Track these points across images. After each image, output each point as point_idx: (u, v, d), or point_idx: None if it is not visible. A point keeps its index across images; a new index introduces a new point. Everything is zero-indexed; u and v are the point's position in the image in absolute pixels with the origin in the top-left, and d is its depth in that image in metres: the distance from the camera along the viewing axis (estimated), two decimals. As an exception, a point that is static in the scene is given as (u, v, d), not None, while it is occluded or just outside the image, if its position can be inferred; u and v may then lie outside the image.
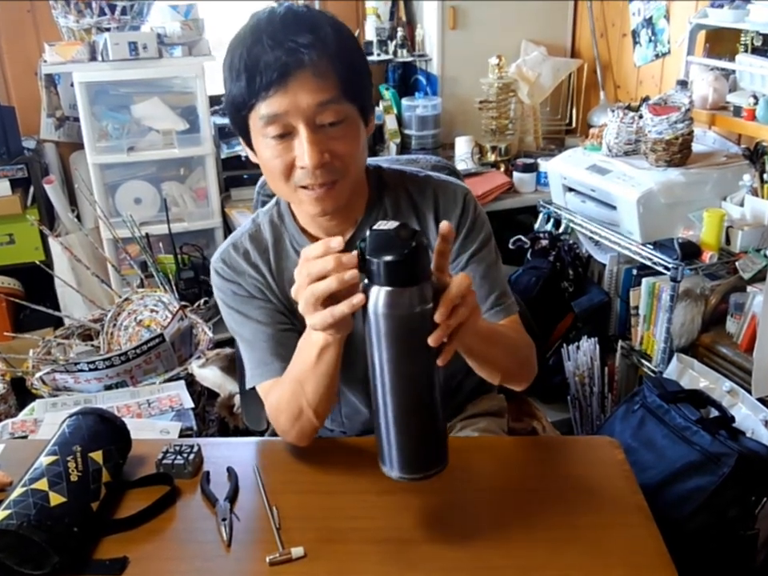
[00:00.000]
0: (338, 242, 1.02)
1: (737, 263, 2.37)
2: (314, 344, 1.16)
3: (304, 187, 1.25)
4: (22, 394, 2.62)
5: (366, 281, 1.00)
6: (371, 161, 1.42)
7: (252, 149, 1.31)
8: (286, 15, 1.20)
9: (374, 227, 0.99)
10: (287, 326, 1.40)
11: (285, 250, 1.42)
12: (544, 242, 2.91)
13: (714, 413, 2.08)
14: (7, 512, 1.10)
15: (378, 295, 0.98)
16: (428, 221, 1.41)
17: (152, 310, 2.79)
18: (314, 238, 1.39)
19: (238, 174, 3.46)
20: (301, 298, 1.05)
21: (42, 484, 1.14)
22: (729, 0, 2.65)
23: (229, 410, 2.23)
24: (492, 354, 1.28)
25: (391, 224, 0.99)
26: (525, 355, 1.42)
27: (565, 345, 2.79)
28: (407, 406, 1.04)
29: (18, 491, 1.14)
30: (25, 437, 1.96)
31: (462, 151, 3.30)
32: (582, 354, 2.76)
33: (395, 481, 1.09)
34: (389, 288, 0.97)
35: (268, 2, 3.47)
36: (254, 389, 1.43)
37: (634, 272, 2.73)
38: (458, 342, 1.03)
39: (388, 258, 0.96)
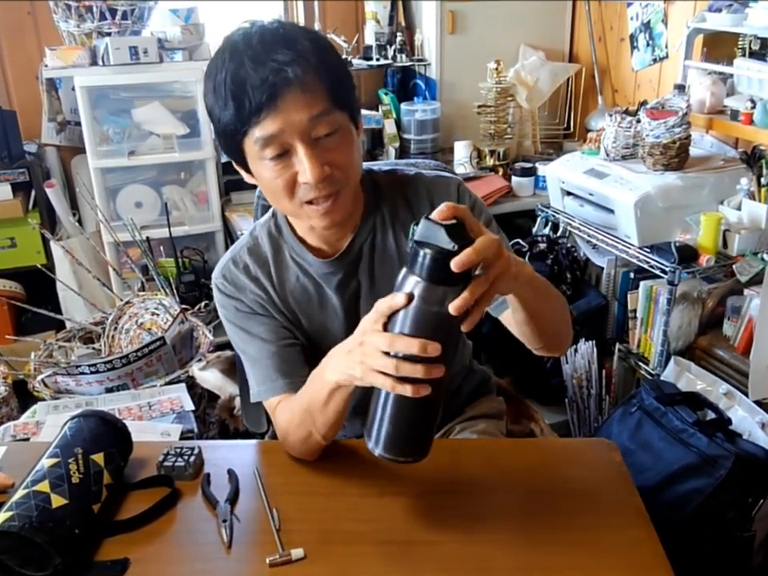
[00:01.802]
0: (402, 297, 0.99)
1: (734, 266, 2.38)
2: (326, 383, 1.18)
3: (309, 203, 1.25)
4: (24, 396, 2.62)
5: (405, 269, 1.00)
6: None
7: (248, 171, 1.31)
8: (263, 35, 1.19)
9: (431, 217, 0.98)
10: (290, 340, 1.41)
11: (284, 261, 1.42)
12: (542, 246, 2.92)
13: (711, 415, 2.09)
14: (9, 514, 1.10)
15: (415, 286, 0.97)
16: None
17: (153, 313, 2.80)
18: (312, 249, 1.40)
19: (238, 178, 3.38)
20: (374, 360, 1.04)
21: (44, 486, 1.15)
22: (727, 4, 2.66)
23: (229, 412, 2.23)
24: (540, 304, 1.26)
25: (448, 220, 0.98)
26: (566, 310, 1.41)
27: (563, 347, 2.80)
28: (410, 399, 1.04)
29: (20, 493, 1.14)
30: (26, 439, 1.96)
31: (461, 155, 3.30)
32: (580, 356, 2.77)
33: (376, 456, 1.11)
34: (427, 283, 0.97)
35: (267, 6, 3.50)
36: None
37: (632, 275, 2.73)
38: (490, 297, 1.02)
39: (434, 252, 0.95)
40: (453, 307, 0.96)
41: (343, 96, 1.23)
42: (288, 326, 1.42)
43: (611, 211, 2.59)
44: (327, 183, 1.22)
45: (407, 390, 1.01)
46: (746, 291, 2.38)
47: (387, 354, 1.02)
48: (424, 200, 1.41)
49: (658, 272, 2.43)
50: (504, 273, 1.02)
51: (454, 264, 0.94)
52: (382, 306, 1.03)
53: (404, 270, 1.00)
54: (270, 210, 1.47)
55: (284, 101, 1.16)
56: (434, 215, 0.99)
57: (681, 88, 2.70)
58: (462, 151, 3.30)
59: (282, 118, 1.17)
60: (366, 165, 1.45)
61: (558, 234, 3.02)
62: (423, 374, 1.00)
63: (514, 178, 3.26)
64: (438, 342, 0.99)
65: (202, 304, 3.09)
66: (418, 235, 0.97)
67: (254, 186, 1.75)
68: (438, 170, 1.59)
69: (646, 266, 2.50)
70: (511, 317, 1.31)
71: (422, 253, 0.96)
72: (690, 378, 2.37)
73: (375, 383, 1.06)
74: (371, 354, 1.04)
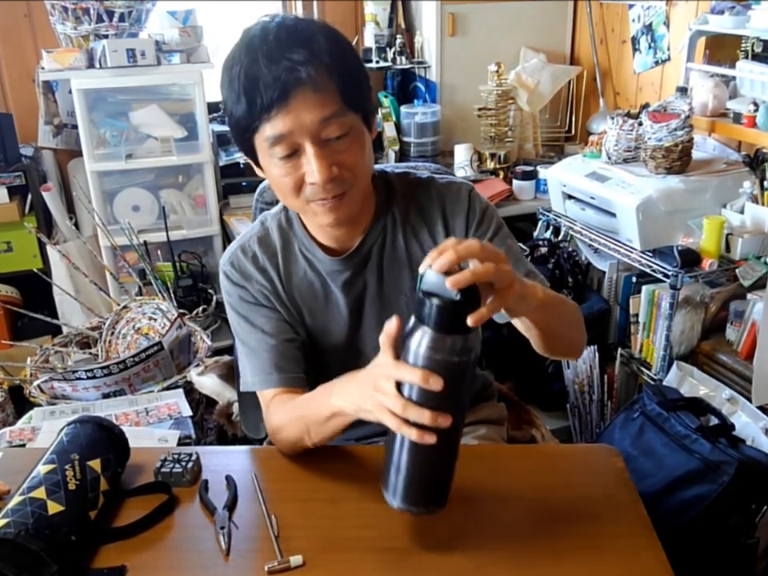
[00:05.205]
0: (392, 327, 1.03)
1: (737, 271, 2.37)
2: (329, 406, 1.18)
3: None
4: (20, 402, 2.61)
5: (413, 319, 1.00)
6: (375, 167, 1.41)
7: (259, 165, 1.31)
8: (279, 31, 1.18)
9: (433, 267, 0.98)
10: (290, 335, 1.41)
11: (293, 254, 1.42)
12: (543, 250, 2.91)
13: (714, 421, 2.08)
14: (5, 521, 1.09)
15: (423, 336, 0.98)
16: (436, 224, 1.41)
17: (150, 318, 2.78)
18: (322, 246, 1.40)
19: (236, 182, 3.46)
20: (385, 398, 1.03)
21: (40, 493, 1.14)
22: (729, 6, 2.65)
23: (227, 417, 2.22)
24: (553, 324, 1.27)
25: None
26: (579, 318, 1.40)
27: (564, 352, 2.79)
28: (426, 448, 1.03)
29: (16, 500, 1.13)
30: (23, 445, 1.94)
31: (461, 158, 3.29)
32: (582, 361, 2.75)
33: (395, 509, 1.11)
34: (435, 332, 0.97)
35: (266, 6, 3.49)
36: (253, 395, 1.44)
37: (634, 279, 2.72)
38: (496, 308, 1.01)
39: (439, 301, 0.96)
40: (471, 320, 0.96)
41: (357, 97, 1.23)
42: (290, 321, 1.42)
43: (613, 215, 2.58)
44: (335, 184, 1.23)
45: (412, 434, 1.00)
46: (749, 295, 2.38)
47: (401, 394, 1.02)
48: (435, 204, 1.41)
49: (660, 276, 2.42)
50: (509, 286, 1.02)
51: (471, 320, 0.96)
52: (383, 339, 1.05)
53: (413, 318, 1.01)
54: (281, 203, 1.46)
55: (295, 100, 1.16)
56: (434, 268, 0.98)
57: (683, 91, 2.70)
58: (462, 154, 3.30)
59: (293, 117, 1.17)
60: (379, 166, 1.45)
61: (560, 238, 3.01)
62: (429, 421, 0.99)
63: (514, 182, 3.26)
64: (453, 392, 1.00)
65: (200, 309, 3.08)
66: (424, 284, 0.98)
67: (253, 190, 1.75)
68: (444, 173, 1.59)
69: (648, 270, 2.49)
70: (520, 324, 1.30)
71: (427, 303, 0.97)
72: (692, 383, 2.36)
73: (383, 419, 1.04)
74: (384, 390, 1.03)
